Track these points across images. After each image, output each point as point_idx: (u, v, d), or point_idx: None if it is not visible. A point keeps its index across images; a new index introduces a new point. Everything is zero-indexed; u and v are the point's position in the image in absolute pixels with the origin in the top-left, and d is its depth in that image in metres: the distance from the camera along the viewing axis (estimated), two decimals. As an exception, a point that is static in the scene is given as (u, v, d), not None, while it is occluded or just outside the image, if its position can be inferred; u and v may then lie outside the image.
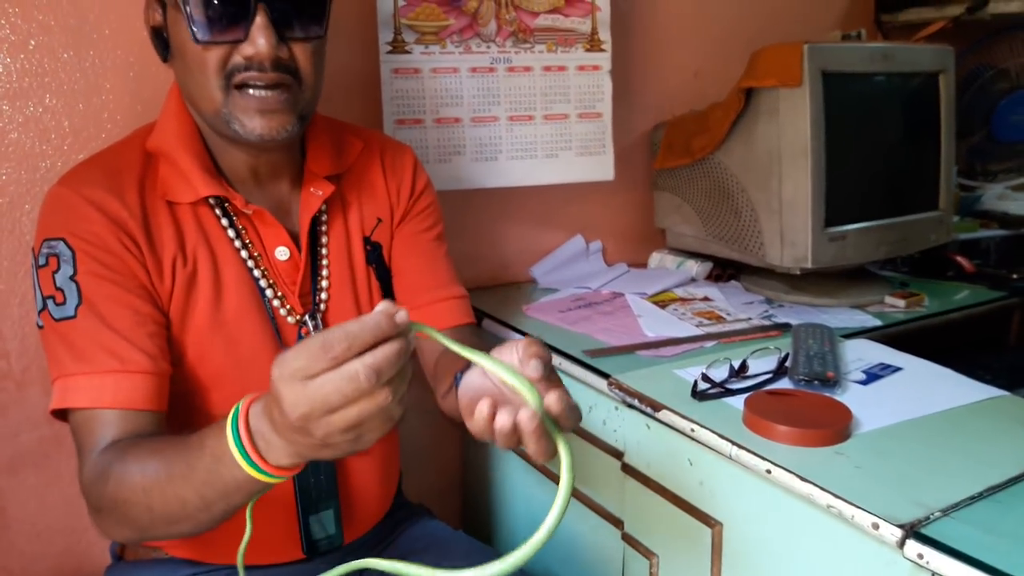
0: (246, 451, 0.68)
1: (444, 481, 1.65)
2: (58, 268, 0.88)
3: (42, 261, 0.89)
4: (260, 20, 0.85)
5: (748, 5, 1.84)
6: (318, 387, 0.59)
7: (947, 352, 1.41)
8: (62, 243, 0.88)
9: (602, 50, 1.54)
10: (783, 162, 1.38)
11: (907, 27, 2.01)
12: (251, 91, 0.88)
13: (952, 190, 1.60)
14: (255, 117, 0.89)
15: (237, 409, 0.70)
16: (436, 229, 1.16)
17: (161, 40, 0.94)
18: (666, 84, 1.76)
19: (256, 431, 0.68)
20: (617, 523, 1.19)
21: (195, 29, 0.86)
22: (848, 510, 0.81)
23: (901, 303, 1.46)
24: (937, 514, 0.79)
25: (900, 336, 1.38)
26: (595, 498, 1.23)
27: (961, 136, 2.10)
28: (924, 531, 0.76)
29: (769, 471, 0.89)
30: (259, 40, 0.85)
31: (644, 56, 1.71)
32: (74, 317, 0.86)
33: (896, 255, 1.59)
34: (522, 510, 1.46)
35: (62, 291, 0.87)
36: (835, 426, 0.93)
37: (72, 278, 0.87)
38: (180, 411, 0.95)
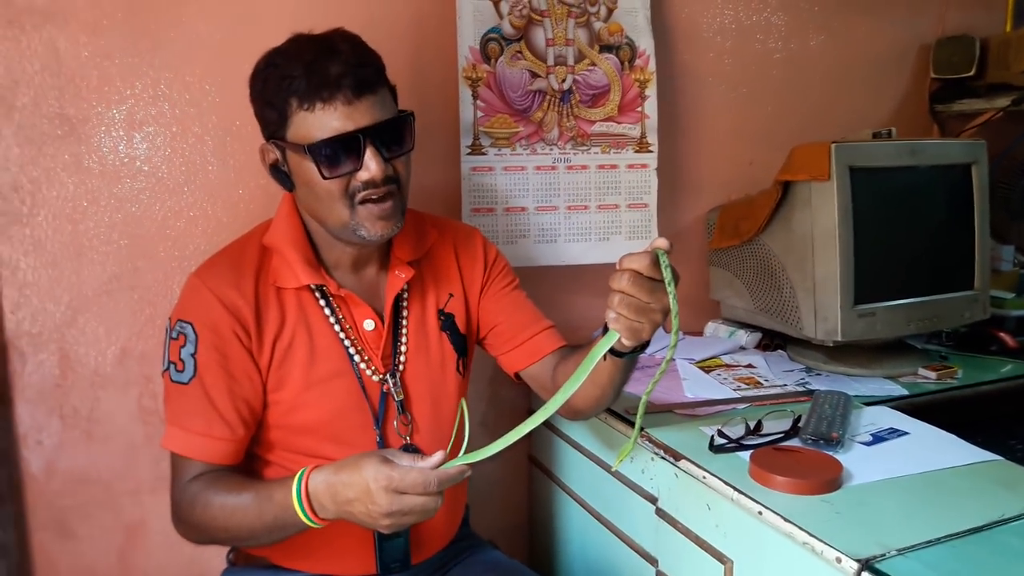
0: (305, 509, 1.03)
1: (512, 519, 1.85)
2: (184, 344, 1.15)
3: (174, 335, 1.16)
4: (370, 151, 1.10)
5: (804, 101, 2.03)
6: (410, 498, 0.99)
7: (981, 423, 1.52)
8: (190, 327, 1.15)
9: (649, 151, 1.77)
10: (816, 246, 1.55)
11: (961, 116, 2.14)
12: (370, 205, 1.13)
13: (987, 270, 1.71)
14: (377, 223, 1.14)
15: (300, 477, 1.04)
16: (514, 283, 1.40)
17: (280, 173, 1.18)
18: (724, 172, 1.95)
19: (314, 497, 1.03)
20: (652, 561, 1.35)
21: (322, 169, 1.10)
22: (819, 546, 0.97)
23: (933, 375, 1.58)
24: (893, 553, 0.94)
25: (931, 406, 1.50)
26: (633, 537, 1.40)
27: (1022, 217, 2.19)
28: (878, 566, 0.91)
29: (760, 512, 1.06)
30: (372, 166, 1.10)
31: (700, 149, 1.92)
32: (186, 384, 1.15)
33: (927, 331, 1.71)
34: (578, 552, 1.64)
35: (183, 362, 1.15)
36: (823, 478, 1.09)
37: (193, 355, 1.15)
38: (278, 449, 1.22)
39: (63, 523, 1.48)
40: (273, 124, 1.13)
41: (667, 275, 0.94)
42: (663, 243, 0.95)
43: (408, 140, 1.16)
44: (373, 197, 1.12)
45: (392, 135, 1.13)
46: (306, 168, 1.12)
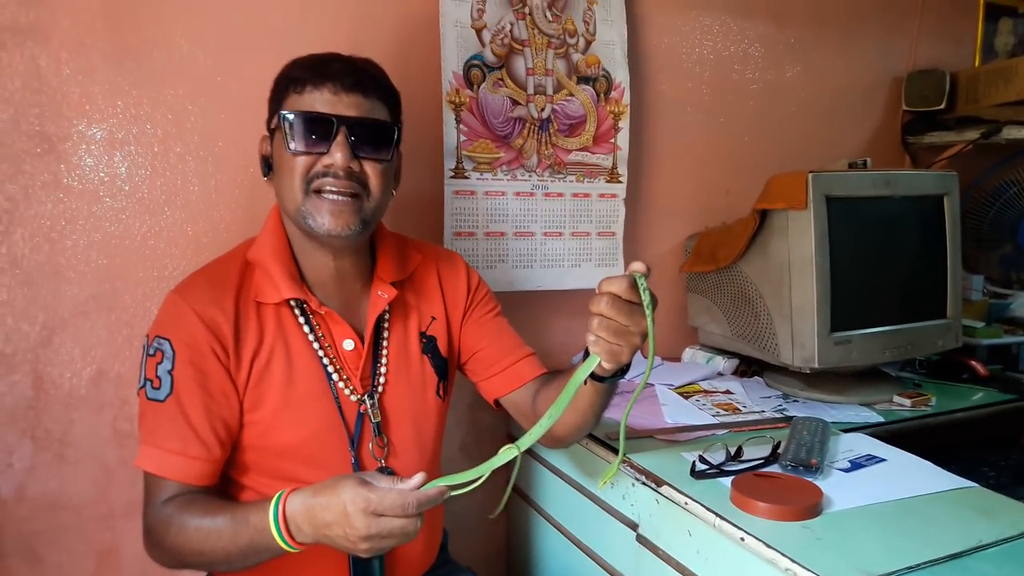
0: (282, 532, 1.01)
1: (491, 546, 1.83)
2: (161, 361, 1.13)
3: (151, 351, 1.15)
4: (340, 138, 1.11)
5: (780, 131, 2.07)
6: (388, 521, 0.97)
7: (956, 449, 1.54)
8: (168, 343, 1.14)
9: (619, 181, 1.83)
10: (792, 274, 1.56)
11: (932, 148, 2.19)
12: (325, 195, 1.13)
13: (959, 300, 1.74)
14: (326, 216, 1.13)
15: (277, 500, 1.02)
16: (496, 309, 1.40)
17: (267, 164, 1.21)
18: (702, 199, 1.98)
19: (292, 521, 1.01)
20: (632, 587, 1.35)
21: (290, 142, 1.12)
22: (801, 572, 0.97)
23: (907, 402, 1.60)
24: (874, 579, 0.95)
25: (905, 432, 1.52)
26: (614, 564, 1.40)
27: (991, 247, 2.24)
28: (860, 592, 0.92)
29: (743, 539, 1.06)
30: (336, 153, 1.11)
31: (679, 176, 1.95)
32: (162, 402, 1.13)
33: (902, 359, 1.73)
34: (557, 577, 1.63)
35: (159, 379, 1.13)
36: (804, 504, 1.10)
37: (170, 372, 1.13)
38: (253, 472, 1.20)
39: (31, 549, 1.44)
40: (271, 113, 1.18)
41: (645, 298, 0.96)
42: (640, 267, 0.97)
43: (384, 149, 1.16)
44: (331, 187, 1.12)
45: (369, 136, 1.14)
46: (279, 143, 1.15)
